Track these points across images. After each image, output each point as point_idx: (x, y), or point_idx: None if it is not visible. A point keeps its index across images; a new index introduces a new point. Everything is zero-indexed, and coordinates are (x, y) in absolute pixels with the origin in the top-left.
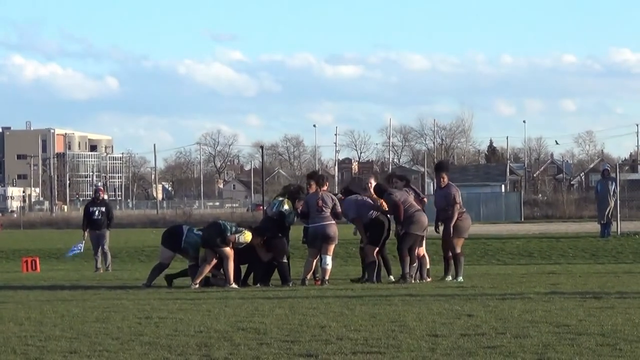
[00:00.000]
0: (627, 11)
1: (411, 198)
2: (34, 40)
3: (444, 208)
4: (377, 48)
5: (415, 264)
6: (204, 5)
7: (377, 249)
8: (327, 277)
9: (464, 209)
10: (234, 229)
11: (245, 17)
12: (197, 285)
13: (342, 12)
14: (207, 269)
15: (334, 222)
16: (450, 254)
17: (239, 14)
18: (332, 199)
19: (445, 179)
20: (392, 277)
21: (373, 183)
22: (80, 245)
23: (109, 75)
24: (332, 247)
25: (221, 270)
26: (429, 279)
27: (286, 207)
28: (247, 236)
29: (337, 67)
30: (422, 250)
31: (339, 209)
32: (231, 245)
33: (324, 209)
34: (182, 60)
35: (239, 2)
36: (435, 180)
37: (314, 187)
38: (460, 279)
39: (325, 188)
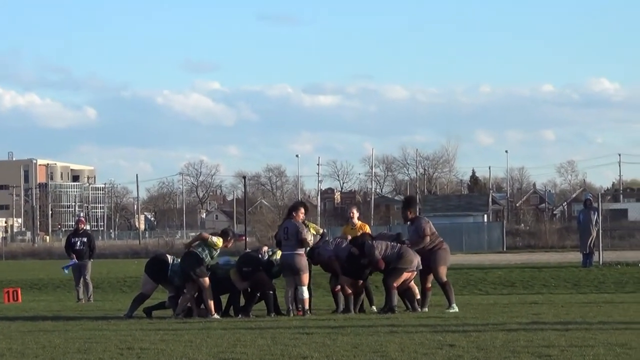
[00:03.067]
0: (604, 41)
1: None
2: (11, 70)
3: (417, 241)
4: (356, 78)
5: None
6: (182, 36)
7: (353, 281)
8: (307, 307)
9: (441, 238)
10: (212, 252)
11: (223, 47)
12: (180, 316)
13: (320, 42)
14: (187, 301)
15: (301, 252)
16: (429, 285)
17: (216, 44)
18: (299, 226)
19: (411, 215)
20: (374, 308)
21: (356, 214)
22: (73, 261)
23: (87, 105)
24: (304, 278)
25: (202, 305)
26: (425, 309)
27: (277, 258)
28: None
29: (315, 97)
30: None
31: (303, 235)
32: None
33: (289, 237)
34: (160, 90)
35: (216, 33)
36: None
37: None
38: (454, 307)
39: (300, 217)
